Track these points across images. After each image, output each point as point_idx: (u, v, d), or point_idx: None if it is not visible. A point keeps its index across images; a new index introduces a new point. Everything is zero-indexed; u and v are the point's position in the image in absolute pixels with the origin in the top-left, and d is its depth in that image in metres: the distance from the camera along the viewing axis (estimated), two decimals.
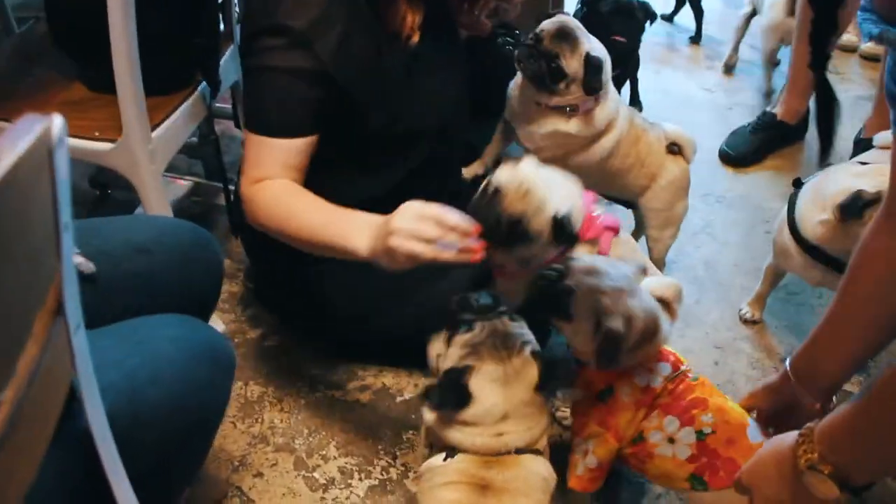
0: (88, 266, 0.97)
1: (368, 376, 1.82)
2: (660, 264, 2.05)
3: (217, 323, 1.89)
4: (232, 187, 1.96)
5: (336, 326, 1.80)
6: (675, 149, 1.89)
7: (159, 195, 1.68)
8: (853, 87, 3.21)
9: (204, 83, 1.77)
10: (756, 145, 2.71)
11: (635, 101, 2.89)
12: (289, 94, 1.41)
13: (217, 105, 2.00)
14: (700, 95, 3.10)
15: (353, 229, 1.29)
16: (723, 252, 2.29)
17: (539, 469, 1.24)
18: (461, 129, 1.80)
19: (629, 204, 2.09)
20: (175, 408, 0.94)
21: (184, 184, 2.29)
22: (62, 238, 0.59)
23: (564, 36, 1.67)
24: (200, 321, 1.05)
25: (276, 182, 1.43)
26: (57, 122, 0.54)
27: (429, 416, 1.25)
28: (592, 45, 1.70)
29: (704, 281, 2.18)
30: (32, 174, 0.52)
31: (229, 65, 1.93)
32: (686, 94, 3.09)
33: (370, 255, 1.26)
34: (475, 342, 1.22)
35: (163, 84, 1.67)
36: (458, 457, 1.21)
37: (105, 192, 2.31)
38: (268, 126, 1.43)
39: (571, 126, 1.77)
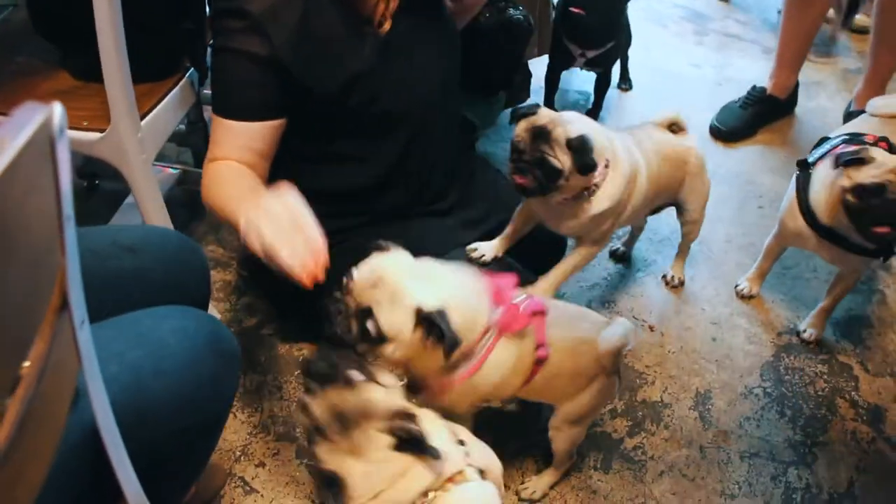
0: None
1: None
2: (688, 246, 2.04)
3: (212, 313, 1.87)
4: None
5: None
6: (674, 127, 1.86)
7: (150, 185, 1.65)
8: (841, 59, 3.21)
9: (192, 69, 1.74)
10: (746, 120, 2.71)
11: (625, 79, 2.87)
12: (247, 77, 1.40)
13: (206, 91, 1.97)
14: (689, 72, 3.09)
15: (247, 206, 1.22)
16: (716, 228, 2.29)
17: (464, 498, 1.14)
18: (444, 116, 1.70)
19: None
20: (180, 400, 0.92)
21: (173, 173, 2.26)
22: (66, 230, 0.57)
23: (539, 135, 1.50)
24: (203, 312, 1.03)
25: (227, 163, 1.43)
26: (58, 110, 0.52)
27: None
28: (567, 128, 1.50)
29: (698, 257, 2.18)
30: (35, 165, 0.50)
31: None
32: (675, 70, 3.08)
33: (243, 227, 1.19)
34: (317, 425, 1.11)
35: (150, 71, 1.64)
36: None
37: (93, 182, 2.28)
38: (227, 108, 1.44)
39: (601, 203, 1.58)
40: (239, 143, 1.43)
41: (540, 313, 1.36)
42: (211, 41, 1.81)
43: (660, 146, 1.77)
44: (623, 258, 2.15)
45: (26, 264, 0.55)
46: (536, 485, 1.56)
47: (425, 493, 1.11)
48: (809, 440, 1.70)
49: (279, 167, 1.52)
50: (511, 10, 1.95)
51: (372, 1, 1.43)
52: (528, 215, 1.68)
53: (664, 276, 2.08)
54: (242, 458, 1.59)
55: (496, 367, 1.32)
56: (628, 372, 1.83)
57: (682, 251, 2.07)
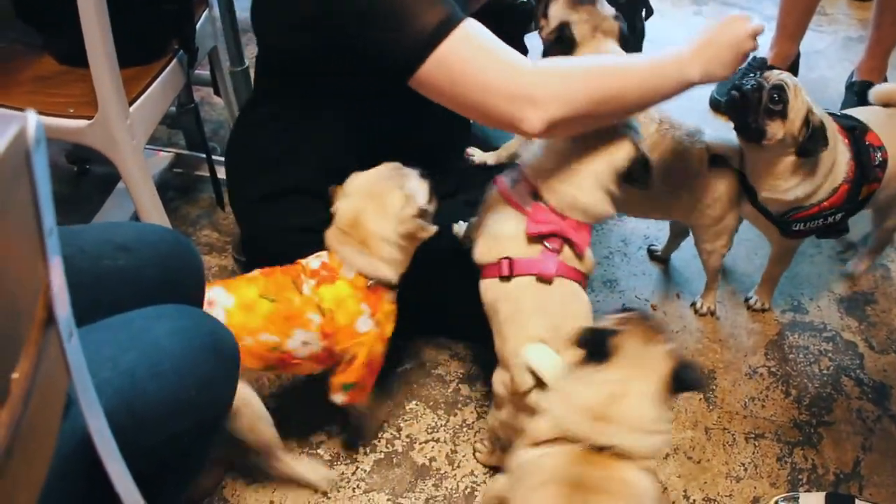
0: None
1: None
2: (715, 274, 1.89)
3: None
4: (215, 156, 1.89)
5: None
6: (718, 161, 1.70)
7: (141, 171, 1.62)
8: (842, 28, 3.16)
9: (180, 50, 1.69)
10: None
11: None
12: None
13: (196, 73, 1.92)
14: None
15: (675, 62, 1.33)
16: None
17: (639, 479, 1.11)
18: None
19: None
20: (178, 403, 0.89)
21: (165, 156, 2.21)
22: (47, 244, 0.54)
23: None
24: (199, 310, 1.00)
25: (545, 62, 1.32)
26: (32, 120, 0.48)
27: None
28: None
29: None
30: (10, 180, 0.47)
31: (205, 30, 1.84)
32: (673, 42, 3.00)
33: (701, 75, 1.32)
34: (627, 318, 1.17)
35: (138, 54, 1.60)
36: (554, 450, 1.12)
37: (84, 167, 2.24)
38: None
39: None
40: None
41: (540, 263, 1.35)
42: (199, 24, 1.76)
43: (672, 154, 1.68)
44: (661, 260, 2.07)
45: (6, 281, 0.52)
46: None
47: None
48: (815, 420, 1.68)
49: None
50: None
51: None
52: None
53: (693, 304, 1.94)
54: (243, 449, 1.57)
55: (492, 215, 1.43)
56: None
57: (708, 279, 1.91)
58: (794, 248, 1.85)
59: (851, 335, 1.89)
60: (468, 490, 1.51)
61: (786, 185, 1.64)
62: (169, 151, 2.22)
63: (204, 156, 1.89)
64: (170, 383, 0.88)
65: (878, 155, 1.69)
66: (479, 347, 1.79)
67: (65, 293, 0.60)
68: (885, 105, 1.80)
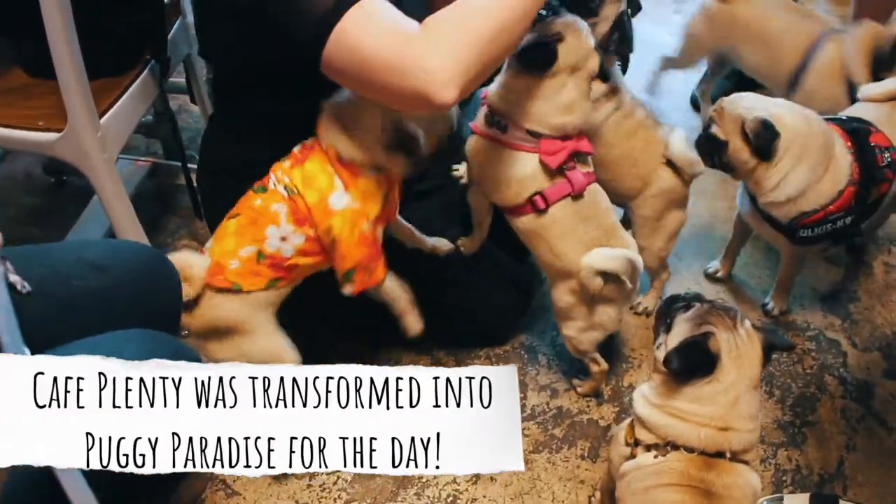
0: (24, 285, 0.89)
1: (355, 354, 1.77)
2: (656, 271, 1.88)
3: None
4: (192, 165, 1.87)
5: (314, 300, 1.74)
6: (671, 163, 1.71)
7: (114, 183, 1.60)
8: None
9: (153, 60, 1.68)
10: (729, 89, 2.64)
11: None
12: None
13: (171, 80, 1.90)
14: (669, 42, 3.02)
15: None
16: (699, 202, 2.25)
17: (755, 482, 1.17)
18: None
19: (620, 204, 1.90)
20: None
21: (142, 165, 2.19)
22: None
23: None
24: (166, 334, 1.00)
25: (425, 23, 1.18)
26: None
27: (644, 409, 1.20)
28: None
29: (683, 231, 2.10)
30: None
31: (179, 39, 1.82)
32: (654, 41, 3.01)
33: None
34: (700, 314, 1.19)
35: (108, 66, 1.58)
36: (672, 455, 1.15)
37: (61, 179, 2.22)
38: None
39: None
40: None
41: (571, 183, 1.44)
42: (171, 33, 1.74)
43: (637, 131, 1.70)
44: None
45: None
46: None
47: None
48: (799, 420, 1.67)
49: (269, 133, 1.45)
50: None
51: None
52: None
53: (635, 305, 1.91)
54: None
55: (504, 162, 1.45)
56: (614, 357, 1.80)
57: (651, 279, 1.89)
58: (804, 255, 1.82)
59: (835, 333, 1.88)
60: (450, 498, 1.50)
61: (771, 184, 1.61)
62: (146, 161, 2.20)
63: (181, 164, 1.87)
64: None
65: (887, 155, 1.63)
66: (460, 352, 1.78)
67: (12, 318, 0.59)
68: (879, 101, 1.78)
